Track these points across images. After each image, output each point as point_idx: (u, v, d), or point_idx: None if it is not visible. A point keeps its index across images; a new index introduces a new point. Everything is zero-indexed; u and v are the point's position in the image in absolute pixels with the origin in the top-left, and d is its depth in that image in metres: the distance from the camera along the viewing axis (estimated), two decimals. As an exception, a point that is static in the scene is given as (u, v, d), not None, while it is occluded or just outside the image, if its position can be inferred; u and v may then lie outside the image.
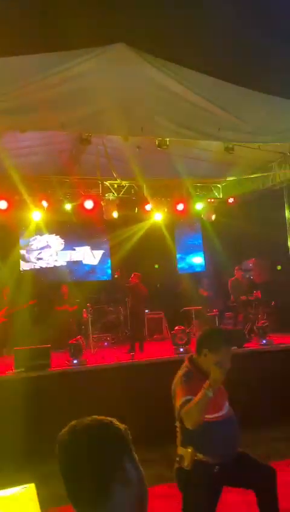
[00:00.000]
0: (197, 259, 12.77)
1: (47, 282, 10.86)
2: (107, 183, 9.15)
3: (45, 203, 8.54)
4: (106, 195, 9.09)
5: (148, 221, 10.64)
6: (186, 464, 2.36)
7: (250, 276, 9.99)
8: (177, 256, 12.72)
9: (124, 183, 9.32)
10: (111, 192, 9.19)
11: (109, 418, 1.09)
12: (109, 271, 12.22)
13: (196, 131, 6.18)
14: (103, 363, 6.56)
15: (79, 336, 6.70)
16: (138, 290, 8.83)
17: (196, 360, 2.55)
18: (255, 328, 8.12)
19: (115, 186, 9.32)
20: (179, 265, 12.68)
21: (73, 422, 1.10)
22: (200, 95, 6.04)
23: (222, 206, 10.11)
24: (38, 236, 11.29)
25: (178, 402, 2.37)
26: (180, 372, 2.56)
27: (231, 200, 9.80)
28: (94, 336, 8.89)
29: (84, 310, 8.96)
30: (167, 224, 11.07)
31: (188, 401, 2.32)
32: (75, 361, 6.15)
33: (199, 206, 9.82)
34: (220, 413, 2.45)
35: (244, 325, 8.82)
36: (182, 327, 7.34)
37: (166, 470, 4.59)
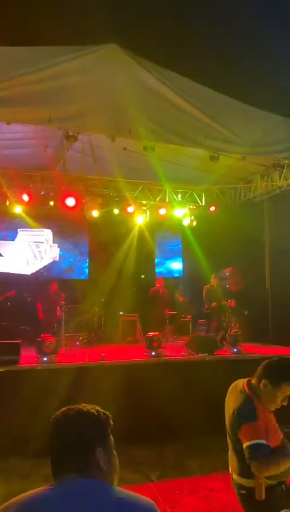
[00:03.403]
0: (176, 265, 12.84)
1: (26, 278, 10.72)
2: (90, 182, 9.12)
3: (25, 197, 8.43)
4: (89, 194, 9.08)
5: (130, 223, 10.65)
6: (260, 495, 2.24)
7: (226, 284, 10.10)
8: (156, 260, 12.76)
9: (107, 183, 9.32)
10: (94, 191, 9.16)
11: (96, 407, 1.38)
12: (87, 270, 12.14)
13: (183, 137, 6.23)
14: (73, 362, 6.50)
15: (49, 335, 6.61)
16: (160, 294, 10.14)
17: (255, 387, 2.41)
18: (227, 336, 8.22)
19: (99, 185, 9.29)
20: (157, 270, 12.71)
21: (65, 407, 1.37)
22: (189, 102, 6.11)
23: (203, 213, 10.20)
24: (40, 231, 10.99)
25: (246, 441, 2.22)
26: (240, 398, 2.38)
27: (212, 208, 9.90)
28: (67, 334, 8.81)
29: (58, 307, 8.87)
30: (147, 228, 11.11)
31: (261, 449, 2.19)
32: (45, 359, 6.08)
33: (180, 212, 9.87)
34: (281, 438, 2.39)
35: (217, 332, 8.91)
36: (157, 333, 7.35)
37: (129, 473, 4.60)
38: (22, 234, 11.04)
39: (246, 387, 2.41)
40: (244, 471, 2.30)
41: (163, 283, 10.42)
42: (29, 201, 8.54)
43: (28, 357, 6.26)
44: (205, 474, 4.57)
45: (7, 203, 8.57)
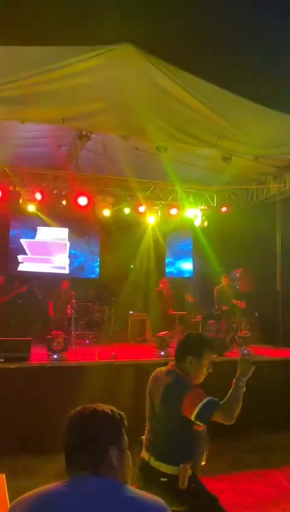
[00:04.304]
0: (187, 265, 12.82)
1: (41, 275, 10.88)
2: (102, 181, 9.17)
3: (38, 196, 8.51)
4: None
5: (141, 222, 10.67)
6: (183, 482, 2.25)
7: (236, 285, 10.06)
8: (167, 260, 12.75)
9: (119, 182, 9.34)
10: (106, 190, 9.20)
11: (111, 406, 1.40)
12: (98, 269, 12.20)
13: (195, 137, 6.22)
14: (82, 360, 6.54)
15: (60, 332, 6.66)
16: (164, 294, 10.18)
17: (182, 366, 2.49)
18: (236, 337, 8.19)
19: (111, 185, 9.32)
20: (167, 270, 12.70)
21: (81, 407, 1.39)
22: (202, 102, 6.09)
23: (214, 213, 10.17)
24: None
25: (195, 407, 2.23)
26: (168, 379, 2.44)
27: (224, 209, 9.86)
28: (76, 332, 8.87)
29: (68, 306, 8.94)
30: (158, 228, 11.12)
31: (214, 401, 2.26)
32: (55, 356, 6.13)
33: (192, 212, 9.86)
34: None
35: (227, 333, 8.88)
36: (166, 332, 7.36)
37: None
38: (43, 232, 11.18)
39: (174, 368, 2.49)
40: (171, 457, 2.29)
41: (167, 284, 10.38)
42: (42, 200, 8.61)
43: (38, 354, 6.32)
44: (210, 475, 4.57)
45: (20, 201, 8.65)
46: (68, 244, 11.61)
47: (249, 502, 3.79)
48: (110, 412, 1.37)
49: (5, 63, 5.27)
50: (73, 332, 8.45)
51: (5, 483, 2.28)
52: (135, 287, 10.96)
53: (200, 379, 2.49)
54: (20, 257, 10.98)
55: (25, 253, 11.08)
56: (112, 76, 5.67)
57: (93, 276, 12.10)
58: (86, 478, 1.28)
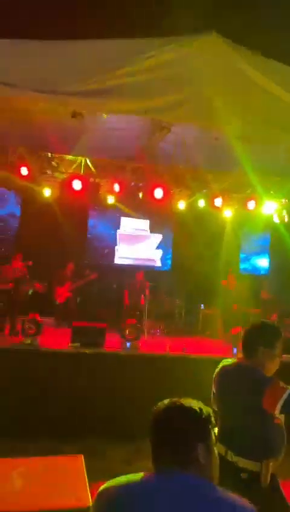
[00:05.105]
0: (263, 262, 12.37)
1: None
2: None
3: (117, 187, 8.67)
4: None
5: (216, 215, 10.45)
6: (265, 479, 2.17)
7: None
8: (241, 256, 12.40)
9: (196, 175, 9.21)
10: (183, 182, 9.13)
11: (199, 402, 1.39)
12: (169, 262, 12.22)
13: (282, 128, 5.93)
14: (154, 351, 6.61)
15: (134, 320, 6.79)
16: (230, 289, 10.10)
17: (253, 359, 2.40)
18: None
19: (188, 177, 9.22)
20: (242, 266, 12.36)
21: (168, 400, 1.39)
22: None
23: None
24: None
25: (278, 400, 2.17)
26: (243, 373, 2.39)
27: (306, 203, 9.33)
28: (148, 323, 8.98)
29: (142, 296, 9.06)
30: (235, 221, 10.82)
31: None
32: (128, 344, 6.26)
33: (271, 206, 9.44)
34: None
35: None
36: (241, 329, 7.19)
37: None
38: (125, 224, 11.45)
39: (246, 361, 2.42)
40: (253, 452, 2.19)
41: (233, 279, 10.15)
42: (119, 191, 8.77)
43: (112, 341, 6.49)
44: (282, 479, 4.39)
45: (100, 192, 8.90)
46: (160, 236, 11.76)
47: None
48: (197, 410, 1.35)
49: (91, 56, 5.41)
50: (145, 322, 8.57)
51: (84, 464, 2.35)
52: (207, 282, 10.81)
53: (273, 370, 2.41)
54: (116, 247, 11.37)
55: (106, 245, 11.41)
56: (196, 67, 5.58)
57: (165, 268, 12.14)
58: (173, 474, 1.27)
